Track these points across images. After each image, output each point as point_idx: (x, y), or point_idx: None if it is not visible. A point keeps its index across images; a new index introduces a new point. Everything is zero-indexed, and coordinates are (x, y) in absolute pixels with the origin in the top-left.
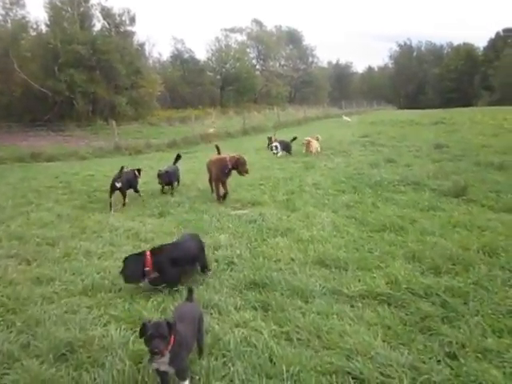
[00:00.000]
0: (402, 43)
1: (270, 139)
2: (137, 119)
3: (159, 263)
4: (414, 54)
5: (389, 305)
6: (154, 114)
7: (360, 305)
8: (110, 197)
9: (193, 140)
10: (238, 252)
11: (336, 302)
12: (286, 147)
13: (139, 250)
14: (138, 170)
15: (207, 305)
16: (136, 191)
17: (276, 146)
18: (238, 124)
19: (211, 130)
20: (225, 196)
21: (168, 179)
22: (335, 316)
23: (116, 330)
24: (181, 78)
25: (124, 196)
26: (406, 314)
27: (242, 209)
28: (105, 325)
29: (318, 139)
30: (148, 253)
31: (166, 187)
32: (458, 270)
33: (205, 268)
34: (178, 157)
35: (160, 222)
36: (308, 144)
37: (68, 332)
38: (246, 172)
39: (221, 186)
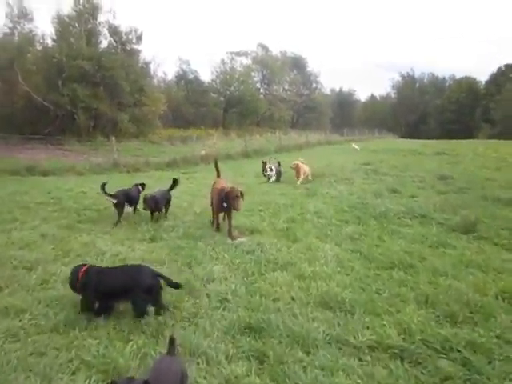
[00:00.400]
0: (405, 74)
1: (264, 164)
2: (138, 137)
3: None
4: (417, 84)
5: (402, 360)
6: (155, 132)
7: (369, 358)
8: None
9: (192, 160)
10: (233, 287)
11: (342, 354)
12: (278, 172)
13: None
14: (142, 185)
15: (194, 352)
16: (135, 209)
17: (271, 168)
18: (239, 146)
19: (202, 152)
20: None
21: (154, 205)
22: (341, 373)
23: (85, 381)
24: (185, 98)
25: (120, 214)
26: (423, 373)
27: (240, 237)
28: (73, 373)
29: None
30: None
31: (155, 213)
32: (476, 320)
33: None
34: (175, 182)
35: (151, 247)
36: (297, 167)
37: (27, 381)
38: (236, 209)
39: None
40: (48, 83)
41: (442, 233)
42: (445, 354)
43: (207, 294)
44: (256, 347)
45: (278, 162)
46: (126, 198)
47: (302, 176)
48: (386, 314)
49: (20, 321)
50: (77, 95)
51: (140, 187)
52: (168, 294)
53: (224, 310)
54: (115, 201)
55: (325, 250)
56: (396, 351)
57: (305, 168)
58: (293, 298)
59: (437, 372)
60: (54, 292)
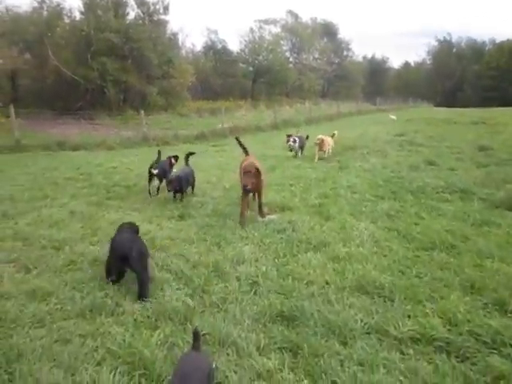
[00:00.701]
0: (442, 39)
1: (288, 136)
2: (167, 109)
3: None
4: (454, 50)
5: (448, 354)
6: (184, 104)
7: (412, 352)
8: (149, 185)
9: (221, 133)
10: (264, 269)
11: (382, 346)
12: (302, 145)
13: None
14: (175, 157)
15: (223, 342)
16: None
17: (294, 140)
18: (268, 118)
19: (220, 126)
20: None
21: (179, 186)
22: (382, 368)
23: (110, 372)
24: (213, 69)
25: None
26: (472, 370)
27: (270, 214)
28: (98, 363)
29: (333, 136)
30: None
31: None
32: None
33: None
34: (189, 154)
35: (179, 226)
36: (321, 143)
37: (50, 374)
38: (245, 187)
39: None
40: (77, 57)
41: (484, 209)
42: (496, 349)
43: (237, 277)
44: (289, 338)
45: (307, 136)
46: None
47: (326, 149)
48: (428, 300)
49: (47, 305)
50: (106, 69)
51: (173, 159)
52: (197, 278)
53: (255, 294)
54: (156, 171)
55: (360, 228)
56: (441, 344)
57: (329, 141)
58: (327, 282)
59: (488, 369)
60: (80, 274)
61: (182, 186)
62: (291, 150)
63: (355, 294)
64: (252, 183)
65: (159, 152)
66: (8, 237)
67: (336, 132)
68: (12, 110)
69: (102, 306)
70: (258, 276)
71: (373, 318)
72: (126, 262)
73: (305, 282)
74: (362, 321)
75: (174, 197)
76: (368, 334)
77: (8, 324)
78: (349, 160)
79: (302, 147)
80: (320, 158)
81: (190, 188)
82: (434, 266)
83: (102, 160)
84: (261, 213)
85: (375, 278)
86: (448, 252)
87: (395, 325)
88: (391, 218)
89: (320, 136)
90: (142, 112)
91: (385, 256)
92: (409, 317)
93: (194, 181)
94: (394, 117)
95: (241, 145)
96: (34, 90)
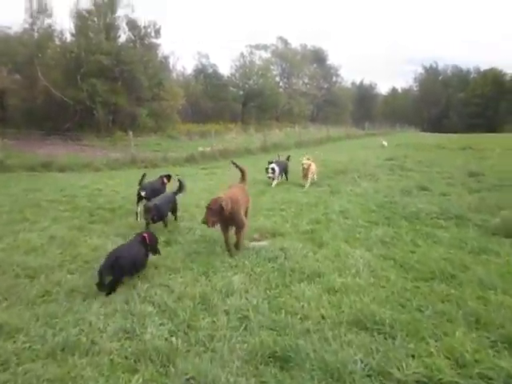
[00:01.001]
0: (428, 66)
1: (269, 164)
2: (156, 132)
3: None
4: (440, 77)
5: None
6: (174, 127)
7: None
8: (137, 205)
9: (211, 155)
10: (255, 302)
11: None
12: (285, 169)
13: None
14: (168, 177)
15: None
16: None
17: (273, 169)
18: (258, 141)
19: (204, 149)
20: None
21: (158, 215)
22: None
23: None
24: (203, 93)
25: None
26: None
27: (261, 240)
28: None
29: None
30: None
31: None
32: None
33: None
34: (181, 185)
35: (165, 252)
36: (308, 168)
37: None
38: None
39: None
40: (67, 78)
41: (481, 236)
42: None
43: (225, 311)
44: (283, 383)
45: (288, 157)
46: (151, 192)
47: (309, 178)
48: (431, 337)
49: (14, 343)
50: (96, 90)
51: (165, 179)
52: (182, 312)
53: (245, 330)
54: (143, 193)
55: (355, 256)
56: None
57: (313, 168)
58: (323, 317)
59: None
60: (54, 306)
61: (161, 215)
62: (270, 178)
63: (353, 329)
64: (213, 221)
65: (144, 175)
66: None
67: (318, 152)
68: None
69: (75, 345)
70: (248, 310)
71: (373, 358)
72: None
73: (299, 316)
74: (362, 361)
75: (147, 227)
76: (369, 376)
77: None
78: (340, 184)
79: (285, 172)
80: (302, 186)
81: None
82: (434, 298)
83: (88, 182)
84: (236, 247)
85: (374, 312)
86: (448, 283)
87: (398, 366)
88: (386, 246)
89: (306, 161)
90: (131, 133)
91: (383, 287)
92: (412, 356)
93: (175, 207)
94: (385, 143)
95: (238, 167)
96: (23, 110)
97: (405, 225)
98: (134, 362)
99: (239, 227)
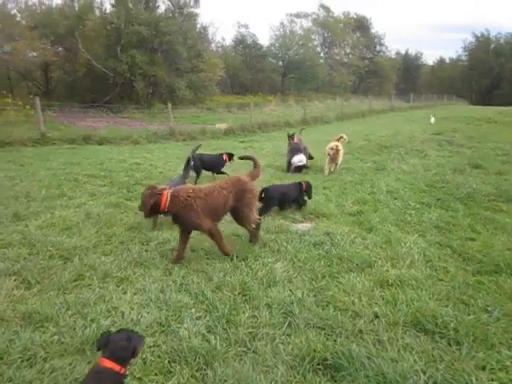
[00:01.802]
0: (479, 34)
1: (290, 138)
2: (195, 103)
3: None
4: (492, 46)
5: None
6: (213, 99)
7: None
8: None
9: (250, 128)
10: (299, 295)
11: None
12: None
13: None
14: (230, 155)
15: None
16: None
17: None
18: (297, 113)
19: (222, 126)
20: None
21: None
22: None
23: None
24: (242, 64)
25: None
26: None
27: (304, 221)
28: None
29: (340, 140)
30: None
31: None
32: None
33: None
34: (188, 162)
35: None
36: (336, 153)
37: None
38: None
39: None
40: (107, 50)
41: None
42: None
43: (267, 304)
44: None
45: (300, 130)
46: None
47: (338, 163)
48: (504, 345)
49: (43, 333)
50: (135, 62)
51: (226, 156)
52: (221, 304)
53: (289, 327)
54: (192, 163)
55: (408, 243)
56: None
57: (341, 153)
58: (376, 315)
59: None
60: (87, 293)
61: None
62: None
63: (411, 331)
64: (145, 213)
65: (199, 145)
66: (15, 242)
67: (345, 136)
68: (38, 102)
69: None
70: (292, 303)
71: (437, 370)
72: None
73: (349, 313)
74: (424, 373)
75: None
76: None
77: None
78: (385, 160)
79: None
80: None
81: None
82: (502, 296)
83: (126, 155)
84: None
85: (434, 312)
86: None
87: (468, 381)
88: (442, 231)
89: (334, 143)
90: (170, 106)
91: (441, 280)
92: (483, 369)
93: None
94: (433, 119)
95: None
96: (65, 82)
97: (460, 207)
98: (169, 362)
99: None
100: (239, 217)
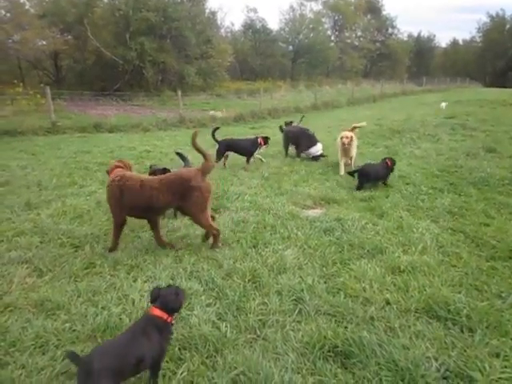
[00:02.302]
0: (494, 14)
1: (287, 125)
2: (205, 90)
3: None
4: (507, 27)
5: None
6: (222, 85)
7: None
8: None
9: (259, 114)
10: (310, 281)
11: None
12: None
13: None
14: (266, 139)
15: None
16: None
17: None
18: (308, 99)
19: (216, 113)
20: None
21: None
22: None
23: None
24: (252, 49)
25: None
26: None
27: (315, 208)
28: None
29: (353, 130)
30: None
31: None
32: None
33: None
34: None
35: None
36: (350, 142)
37: None
38: None
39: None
40: (116, 38)
41: None
42: None
43: (278, 291)
44: None
45: (302, 117)
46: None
47: (353, 155)
48: None
49: (55, 321)
50: (144, 49)
51: (261, 139)
52: (231, 291)
53: (299, 314)
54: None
55: (420, 229)
56: None
57: (354, 145)
58: (388, 302)
59: None
60: (98, 281)
61: None
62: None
63: (423, 318)
64: None
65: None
66: (26, 231)
67: (359, 124)
68: (48, 91)
69: (117, 327)
70: (302, 290)
71: (449, 357)
72: None
73: (360, 300)
74: (436, 360)
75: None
76: (445, 379)
77: (6, 347)
78: (397, 145)
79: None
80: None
81: None
82: None
83: (137, 143)
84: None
85: (447, 298)
86: None
87: (480, 368)
88: (454, 217)
89: (346, 133)
90: (180, 93)
91: (453, 266)
92: (497, 356)
93: None
94: (444, 104)
95: (198, 151)
96: (75, 71)
97: (473, 192)
98: (179, 349)
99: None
100: (190, 217)
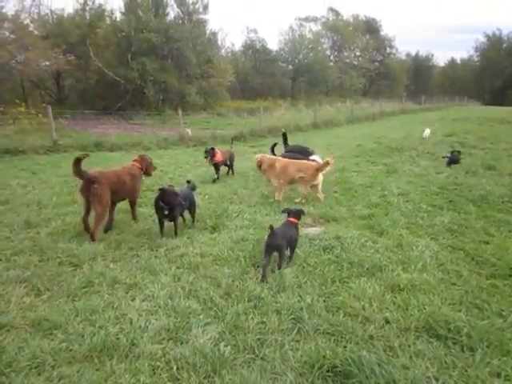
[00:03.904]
0: (491, 34)
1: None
2: (205, 109)
3: None
4: (504, 46)
5: None
6: (223, 104)
7: None
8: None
9: (260, 133)
10: (309, 300)
11: None
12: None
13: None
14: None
15: None
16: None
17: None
18: (308, 117)
19: (186, 131)
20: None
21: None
22: None
23: None
24: (252, 69)
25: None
26: None
27: (314, 225)
28: None
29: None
30: None
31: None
32: None
33: None
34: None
35: (211, 239)
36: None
37: None
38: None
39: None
40: (118, 58)
41: None
42: None
43: (277, 310)
44: None
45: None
46: None
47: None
48: None
49: (52, 341)
50: (146, 69)
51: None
52: (230, 310)
53: (298, 333)
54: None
55: (419, 247)
56: None
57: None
58: (387, 321)
59: None
60: (96, 299)
61: (172, 212)
62: None
63: (423, 337)
64: None
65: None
66: (25, 249)
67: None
68: (50, 110)
69: (114, 347)
70: (301, 309)
71: (450, 377)
72: None
73: (359, 319)
74: (437, 380)
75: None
76: None
77: (2, 367)
78: (397, 163)
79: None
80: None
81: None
82: None
83: None
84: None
85: (447, 316)
86: None
87: None
88: (454, 234)
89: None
90: (180, 112)
91: (454, 285)
92: (498, 376)
93: (193, 206)
94: (427, 132)
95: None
96: (77, 90)
97: (473, 210)
98: (177, 369)
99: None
100: None
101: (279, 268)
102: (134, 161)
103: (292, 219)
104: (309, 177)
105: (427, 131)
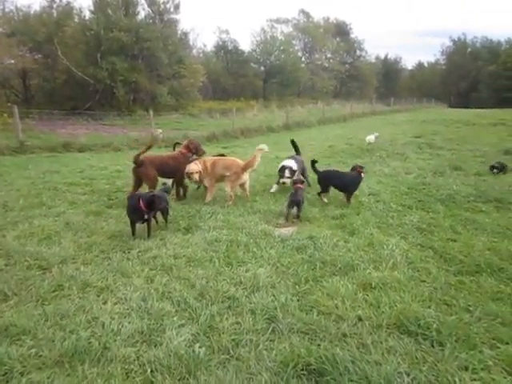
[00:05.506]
0: (456, 39)
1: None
2: (177, 110)
3: None
4: (469, 50)
5: None
6: (195, 105)
7: None
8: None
9: (232, 134)
10: (283, 300)
11: None
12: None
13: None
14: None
15: None
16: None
17: (291, 170)
18: (280, 118)
19: (159, 132)
20: None
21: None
22: None
23: None
24: (224, 69)
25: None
26: None
27: (287, 226)
28: None
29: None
30: None
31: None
32: None
33: None
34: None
35: (185, 240)
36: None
37: None
38: None
39: None
40: (87, 57)
41: None
42: None
43: (251, 310)
44: None
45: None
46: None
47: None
48: (486, 344)
49: (20, 347)
50: (115, 69)
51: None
52: (204, 311)
53: (273, 332)
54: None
55: (390, 245)
56: None
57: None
58: (360, 318)
59: None
60: (66, 304)
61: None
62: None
63: (395, 334)
64: None
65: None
66: None
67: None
68: (16, 110)
69: (86, 351)
70: (276, 309)
71: (421, 371)
72: None
73: (333, 317)
74: (408, 375)
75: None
76: None
77: None
78: (367, 164)
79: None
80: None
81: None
82: (483, 296)
83: (107, 163)
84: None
85: (417, 313)
86: (497, 277)
87: (451, 382)
88: (423, 233)
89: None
90: (151, 112)
91: (423, 282)
92: (466, 369)
93: (166, 205)
94: (371, 137)
95: None
96: (44, 90)
97: (441, 209)
98: (151, 371)
99: None
100: None
101: (298, 217)
102: (183, 146)
103: (300, 185)
104: (233, 175)
105: (371, 136)
